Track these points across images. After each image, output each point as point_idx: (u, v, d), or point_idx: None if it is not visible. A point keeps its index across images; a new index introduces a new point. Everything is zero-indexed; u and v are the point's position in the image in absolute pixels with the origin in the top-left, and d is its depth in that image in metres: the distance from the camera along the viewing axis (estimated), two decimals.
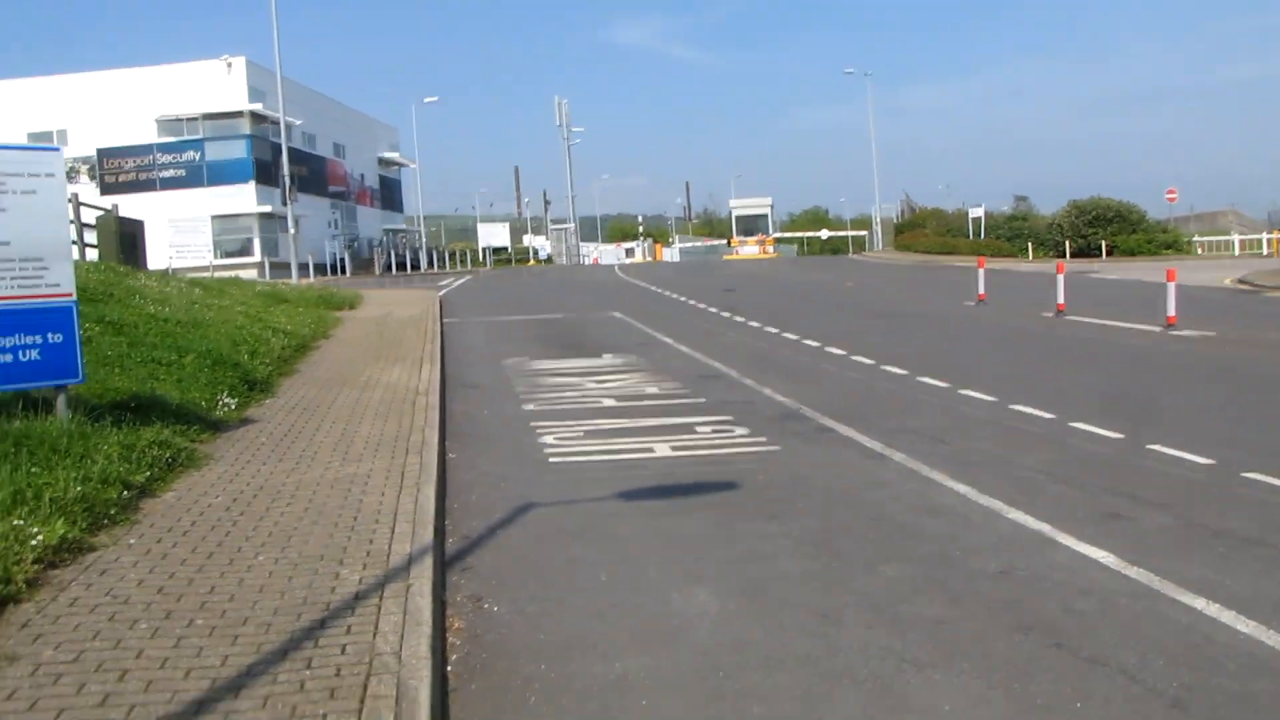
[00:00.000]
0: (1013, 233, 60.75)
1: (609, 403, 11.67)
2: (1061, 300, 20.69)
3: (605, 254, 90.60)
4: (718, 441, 9.51)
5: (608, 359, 15.50)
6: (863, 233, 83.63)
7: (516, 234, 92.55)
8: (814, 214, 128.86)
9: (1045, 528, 6.53)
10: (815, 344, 16.35)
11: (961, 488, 7.56)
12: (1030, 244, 57.77)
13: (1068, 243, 55.28)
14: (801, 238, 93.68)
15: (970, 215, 64.56)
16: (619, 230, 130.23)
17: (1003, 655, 4.67)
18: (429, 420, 10.02)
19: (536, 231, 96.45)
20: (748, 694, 4.38)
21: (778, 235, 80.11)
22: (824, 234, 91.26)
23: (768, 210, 74.38)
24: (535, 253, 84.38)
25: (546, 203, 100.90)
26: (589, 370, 14.34)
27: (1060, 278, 21.28)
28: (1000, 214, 67.67)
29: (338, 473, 7.86)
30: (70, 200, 21.42)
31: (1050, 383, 12.39)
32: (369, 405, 10.93)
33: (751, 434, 9.75)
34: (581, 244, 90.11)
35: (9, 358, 7.84)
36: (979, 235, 60.91)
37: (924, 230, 67.18)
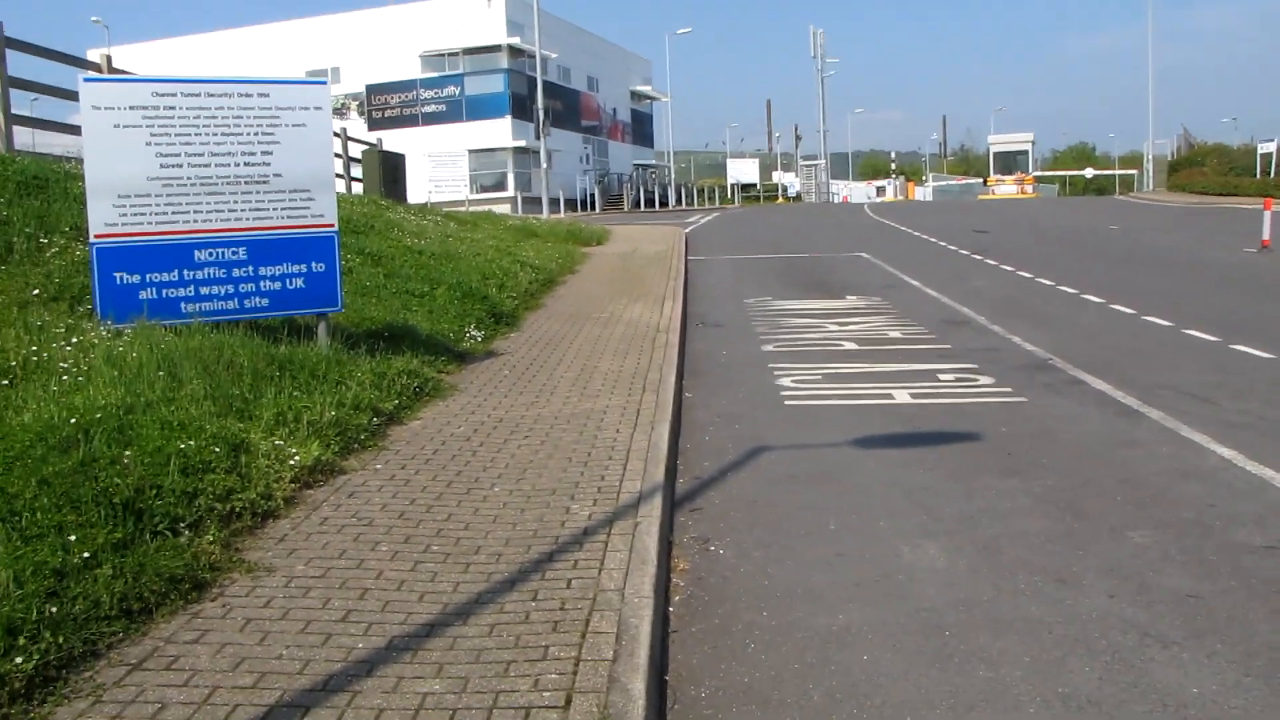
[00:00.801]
0: None
1: (850, 346, 11.45)
2: None
3: (855, 192, 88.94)
4: (961, 390, 9.18)
5: (851, 300, 15.21)
6: (1132, 171, 78.64)
7: (766, 170, 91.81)
8: (1079, 150, 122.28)
9: None
10: (1071, 290, 15.52)
11: (1226, 451, 7.01)
12: None
13: None
14: (1064, 176, 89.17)
15: (1260, 151, 59.41)
16: (871, 167, 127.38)
17: (1264, 640, 4.30)
18: (667, 358, 10.11)
19: (786, 168, 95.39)
20: (974, 656, 4.23)
21: (1038, 174, 76.42)
22: (1089, 172, 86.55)
23: (1028, 147, 71.06)
24: (784, 190, 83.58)
25: (798, 138, 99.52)
26: (831, 312, 14.12)
27: None
28: None
29: (575, 407, 8.05)
30: (339, 135, 22.69)
31: None
32: (610, 341, 11.13)
33: (997, 383, 9.37)
34: (832, 181, 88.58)
35: (277, 285, 8.35)
36: (1269, 174, 56.07)
37: (1203, 169, 62.35)
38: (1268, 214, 23.18)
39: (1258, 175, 56.22)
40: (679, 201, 67.14)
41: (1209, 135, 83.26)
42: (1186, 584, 4.88)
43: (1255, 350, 10.47)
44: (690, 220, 40.17)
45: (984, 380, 9.53)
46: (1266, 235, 22.29)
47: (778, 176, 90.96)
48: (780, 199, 78.89)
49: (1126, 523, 5.74)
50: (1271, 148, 58.25)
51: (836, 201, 76.71)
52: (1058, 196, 75.98)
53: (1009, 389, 9.13)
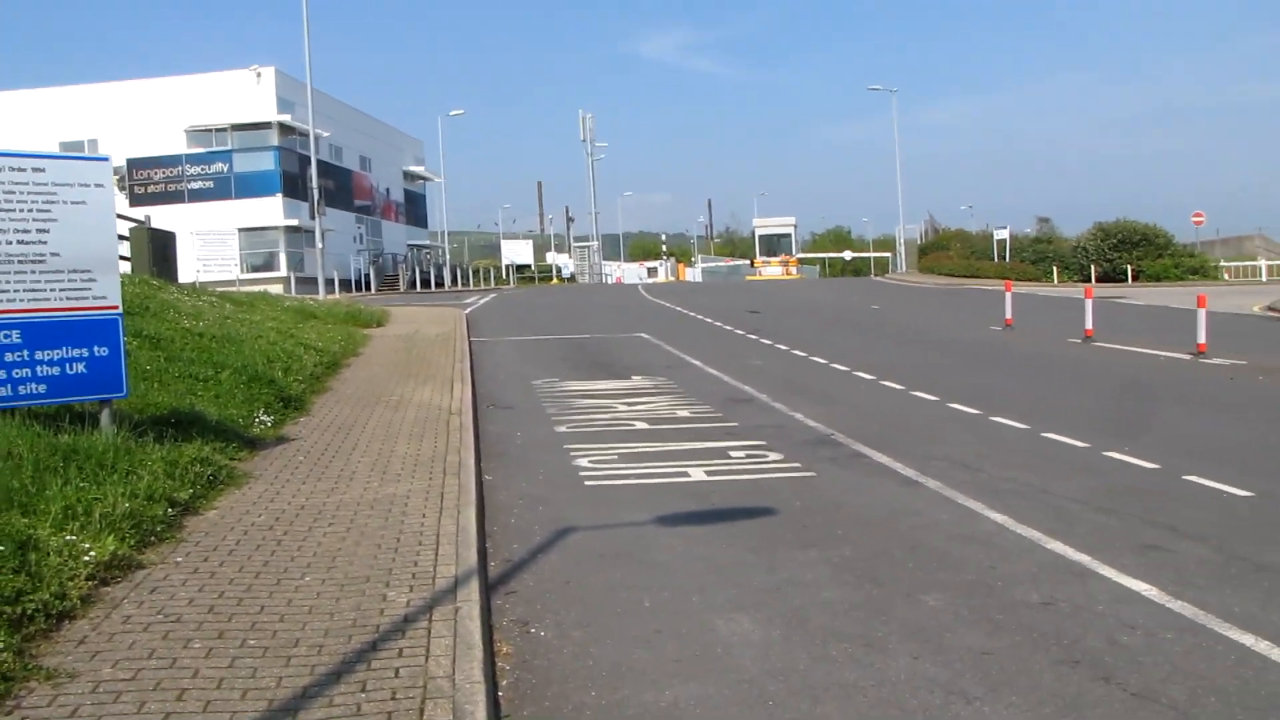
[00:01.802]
0: (1037, 255, 60.52)
1: (641, 425, 11.71)
2: (1090, 326, 20.66)
3: (628, 273, 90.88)
4: (752, 466, 9.54)
5: (637, 380, 15.55)
6: (886, 254, 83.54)
7: (540, 251, 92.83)
8: (837, 234, 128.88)
9: (1085, 558, 6.54)
10: (844, 368, 16.37)
11: (998, 516, 7.57)
12: (1055, 267, 57.59)
13: (1093, 266, 55.13)
14: (824, 258, 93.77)
15: (995, 237, 64.36)
16: (642, 248, 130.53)
17: (1050, 688, 4.68)
18: (464, 441, 10.09)
19: (559, 249, 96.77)
20: None
21: (801, 256, 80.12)
22: (847, 255, 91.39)
23: (791, 230, 74.44)
24: (558, 270, 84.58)
25: (569, 220, 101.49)
26: (619, 392, 14.40)
27: (1089, 303, 21.23)
28: (1025, 236, 67.42)
29: (377, 493, 7.94)
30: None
31: (1081, 410, 12.37)
32: (404, 424, 11.01)
33: (785, 459, 9.78)
34: (604, 262, 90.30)
35: (56, 370, 7.95)
36: (1004, 257, 60.70)
37: (948, 252, 66.96)
38: (1009, 295, 25.17)
39: (995, 259, 60.83)
40: (454, 282, 66.92)
41: (951, 221, 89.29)
42: (979, 641, 5.24)
43: (1011, 421, 11.32)
44: (468, 301, 40.16)
45: (773, 456, 9.93)
46: (1009, 315, 24.16)
47: (551, 257, 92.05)
48: (555, 280, 79.75)
49: (919, 587, 6.10)
50: (1005, 235, 63.26)
51: (610, 282, 78.19)
52: (820, 277, 79.85)
53: (798, 464, 9.54)
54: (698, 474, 9.25)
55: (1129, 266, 54.15)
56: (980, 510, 7.79)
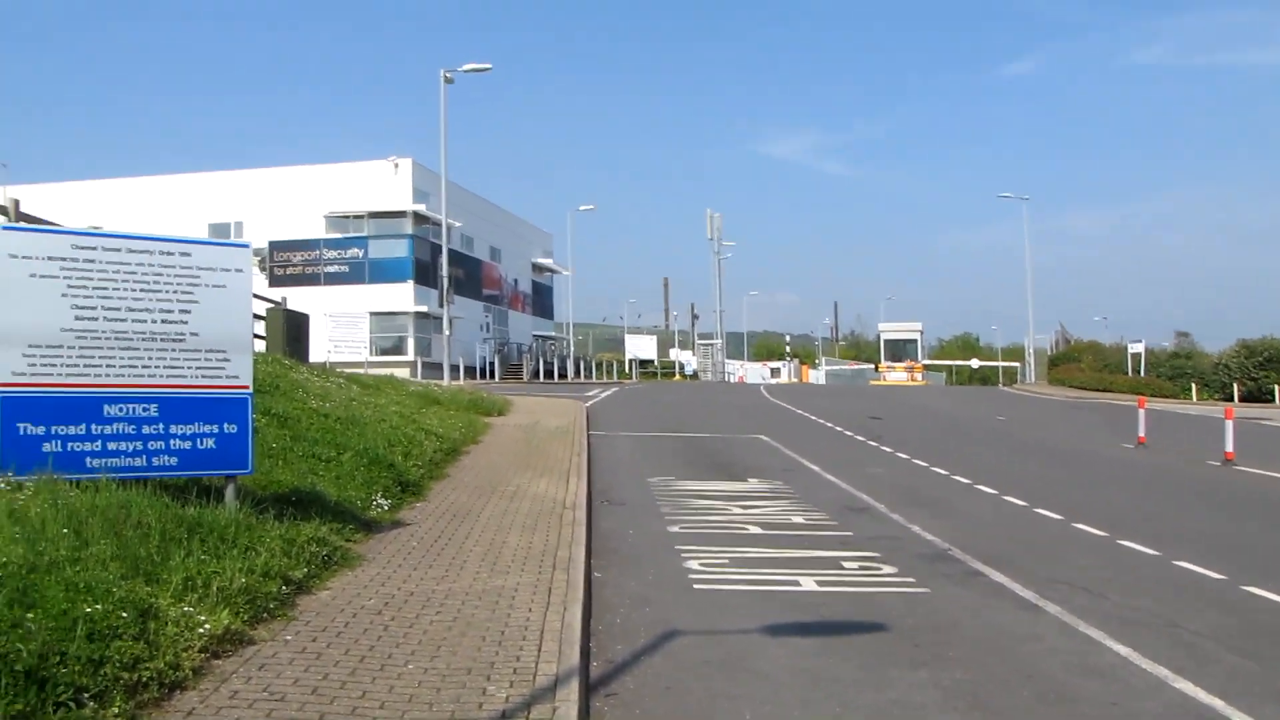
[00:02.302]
0: (1175, 371, 58.65)
1: (754, 530, 11.58)
2: (1230, 448, 19.79)
3: (750, 372, 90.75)
4: (865, 579, 9.33)
5: (753, 483, 15.42)
6: (1015, 363, 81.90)
7: (663, 346, 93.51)
8: (964, 341, 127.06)
9: (1218, 703, 6.18)
10: (965, 480, 15.99)
11: (1122, 648, 7.23)
12: (1194, 384, 55.65)
13: (1236, 385, 53.12)
14: (951, 365, 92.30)
15: (1130, 350, 62.66)
16: (765, 348, 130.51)
17: None
18: (575, 536, 10.10)
19: (683, 345, 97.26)
20: None
21: (926, 362, 79.04)
22: (974, 363, 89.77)
23: (917, 336, 73.68)
24: (681, 367, 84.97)
25: (694, 317, 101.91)
26: (734, 494, 14.29)
27: (1229, 423, 20.36)
28: (1161, 350, 65.52)
29: (486, 584, 7.97)
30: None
31: (1219, 538, 11.81)
32: (517, 516, 11.09)
33: (900, 573, 9.54)
34: (728, 360, 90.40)
35: (188, 444, 8.23)
36: (1138, 372, 58.97)
37: (1080, 364, 65.38)
38: (1141, 412, 24.36)
39: (1129, 373, 59.05)
40: (577, 374, 67.71)
41: (1083, 331, 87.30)
42: None
43: (1140, 546, 10.87)
44: (590, 394, 40.51)
45: (887, 569, 9.70)
46: (1142, 433, 23.35)
47: (675, 354, 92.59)
48: (677, 376, 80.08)
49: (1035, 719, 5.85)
50: (1140, 348, 61.47)
51: (733, 381, 78.14)
52: (945, 385, 78.51)
53: (912, 579, 9.30)
54: (809, 583, 9.07)
55: (1275, 387, 51.98)
56: (1103, 640, 7.45)
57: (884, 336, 74.62)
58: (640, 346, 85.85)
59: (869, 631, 7.59)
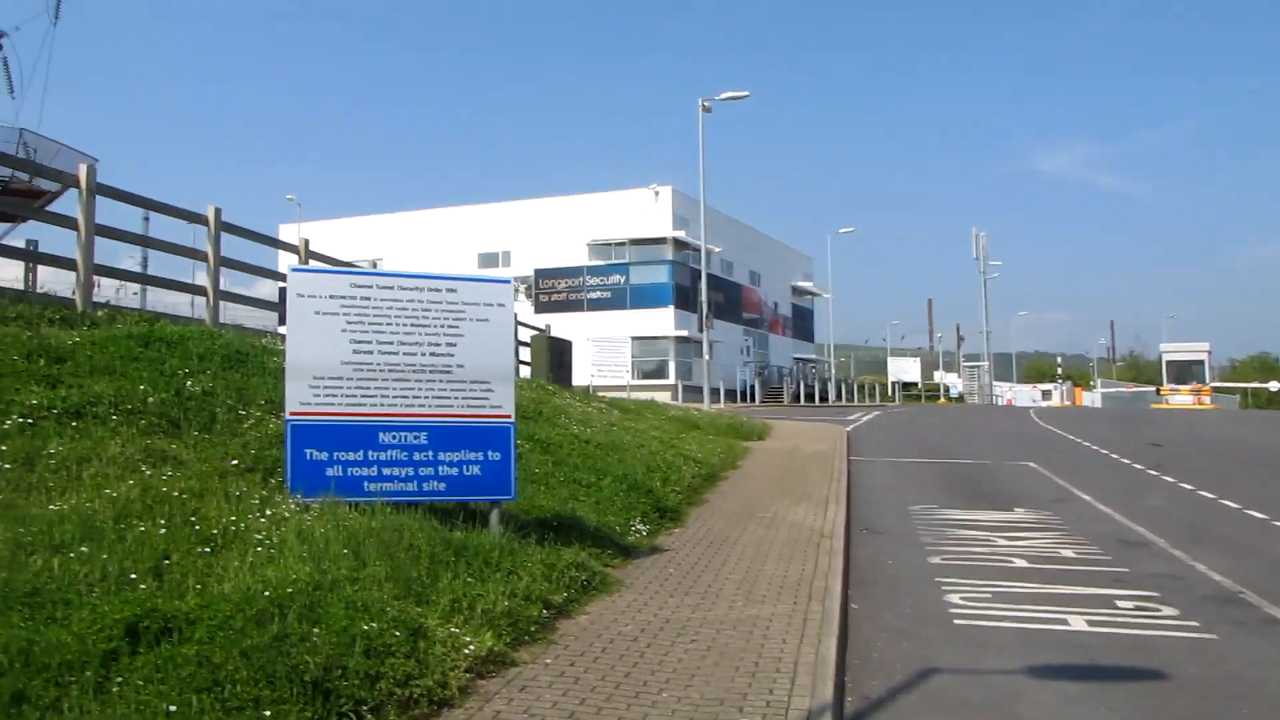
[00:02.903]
0: None
1: (1020, 563, 11.10)
2: None
3: (1020, 394, 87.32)
4: (1141, 620, 8.77)
5: (1020, 513, 14.79)
6: None
7: (927, 369, 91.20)
8: (1261, 361, 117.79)
9: None
10: (1261, 515, 14.76)
11: None
12: None
13: None
14: (1245, 388, 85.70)
15: None
16: (1035, 369, 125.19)
17: None
18: (832, 566, 9.97)
19: (948, 367, 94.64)
20: None
21: (1215, 384, 73.68)
22: (1274, 385, 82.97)
23: (1204, 357, 68.82)
24: (946, 390, 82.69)
25: (960, 338, 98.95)
26: (999, 524, 13.75)
27: None
28: None
29: (741, 613, 7.98)
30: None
31: None
32: (774, 543, 11.05)
33: (1182, 616, 8.91)
34: (995, 382, 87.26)
35: (455, 470, 8.67)
36: None
37: None
38: None
39: None
40: (839, 397, 66.99)
41: None
42: None
43: None
44: (851, 418, 39.97)
45: (1167, 611, 9.08)
46: None
47: (939, 376, 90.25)
48: (942, 399, 77.93)
49: None
50: None
51: (1000, 404, 75.36)
52: (1238, 409, 72.93)
53: (1195, 623, 8.66)
54: (1078, 623, 8.61)
55: None
56: None
57: (1166, 357, 70.09)
58: (903, 368, 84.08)
59: (1146, 680, 7.13)
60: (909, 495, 16.63)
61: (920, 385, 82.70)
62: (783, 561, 10.09)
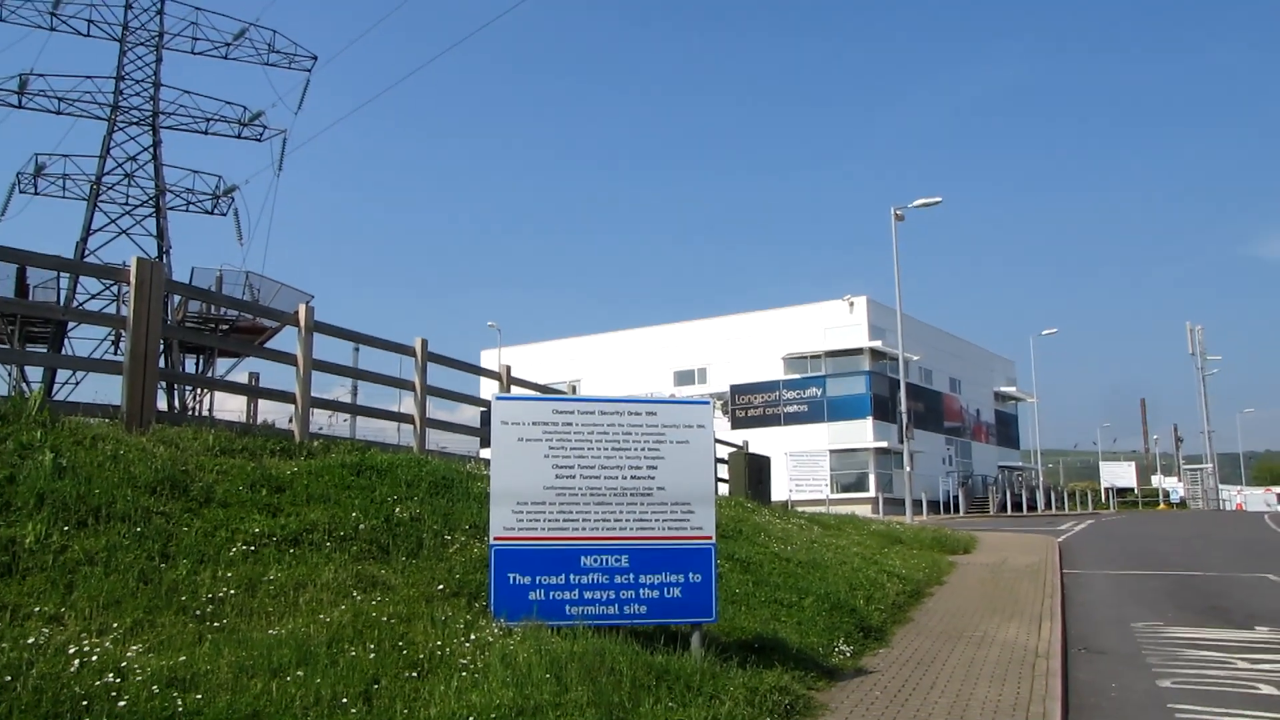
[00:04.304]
0: None
1: (1266, 690, 10.24)
2: None
3: (1251, 498, 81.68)
4: None
5: (1262, 632, 13.70)
6: None
7: (1143, 473, 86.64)
8: None
9: None
10: None
11: None
12: None
13: None
14: None
15: None
16: (1268, 470, 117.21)
17: None
18: (1049, 690, 9.44)
19: (1166, 471, 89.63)
20: None
21: None
22: None
23: None
24: (1165, 495, 78.17)
25: (1178, 440, 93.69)
26: (1238, 644, 12.76)
27: None
28: None
29: None
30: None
31: None
32: (985, 664, 10.56)
33: None
34: (1221, 486, 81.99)
35: (656, 593, 8.66)
36: None
37: None
38: None
39: None
40: (1048, 505, 64.15)
41: None
42: None
43: None
44: (1062, 528, 38.16)
45: None
46: None
47: (1157, 480, 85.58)
48: (1161, 505, 73.67)
49: None
50: None
51: (1229, 509, 70.69)
52: None
53: None
54: None
55: None
56: None
57: None
58: (1117, 473, 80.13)
59: None
60: (1130, 611, 15.66)
61: (1136, 490, 78.50)
62: (995, 684, 9.62)
